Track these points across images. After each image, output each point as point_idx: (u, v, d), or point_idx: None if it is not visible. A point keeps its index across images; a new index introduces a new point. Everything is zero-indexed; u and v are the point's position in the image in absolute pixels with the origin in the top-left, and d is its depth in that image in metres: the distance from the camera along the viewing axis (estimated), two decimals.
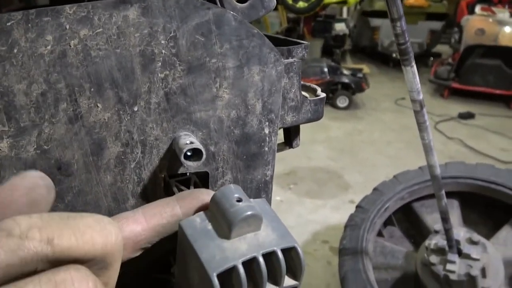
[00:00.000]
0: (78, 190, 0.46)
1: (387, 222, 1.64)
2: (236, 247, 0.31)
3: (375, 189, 1.59)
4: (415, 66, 0.77)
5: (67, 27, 0.41)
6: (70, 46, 0.41)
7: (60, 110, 0.43)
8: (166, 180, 0.52)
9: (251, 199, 0.35)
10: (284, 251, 0.32)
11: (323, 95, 0.61)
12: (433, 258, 1.31)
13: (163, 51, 0.45)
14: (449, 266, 1.27)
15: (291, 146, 0.66)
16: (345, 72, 4.97)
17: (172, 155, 0.49)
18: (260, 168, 0.55)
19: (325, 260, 2.20)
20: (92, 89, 0.43)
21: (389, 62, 7.16)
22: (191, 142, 0.46)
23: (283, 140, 0.67)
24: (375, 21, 7.28)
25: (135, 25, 0.43)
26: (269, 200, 0.59)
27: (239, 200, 0.33)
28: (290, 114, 0.57)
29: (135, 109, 0.46)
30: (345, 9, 9.08)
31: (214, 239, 0.32)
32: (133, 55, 0.44)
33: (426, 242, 1.37)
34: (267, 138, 0.54)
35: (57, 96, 0.42)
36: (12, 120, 0.41)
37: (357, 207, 1.56)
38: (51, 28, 0.40)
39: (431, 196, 1.62)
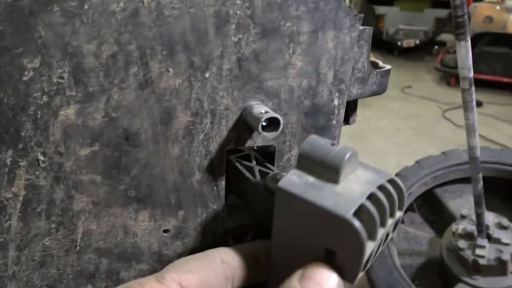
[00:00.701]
0: (145, 163, 0.43)
1: (407, 208, 1.61)
2: (350, 188, 0.30)
3: (397, 175, 1.57)
4: (469, 41, 0.74)
5: None
6: (143, 3, 0.38)
7: (131, 75, 0.39)
8: (228, 158, 0.49)
9: None
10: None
11: (388, 66, 0.57)
12: (461, 243, 1.29)
13: (238, 12, 0.41)
14: (478, 251, 1.25)
15: (347, 123, 0.62)
16: None
17: (241, 127, 0.46)
18: None
19: None
20: (164, 52, 0.40)
21: (394, 50, 7.08)
22: (266, 112, 0.42)
23: None
24: (380, 9, 7.17)
25: None
26: None
27: (333, 144, 0.32)
28: (356, 86, 0.53)
29: (207, 75, 0.42)
30: None
31: (324, 188, 0.30)
32: (207, 16, 0.40)
33: (453, 227, 1.35)
34: (335, 111, 0.51)
35: (127, 58, 0.39)
36: (80, 84, 0.38)
37: None
38: None
39: (454, 181, 1.60)
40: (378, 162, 3.15)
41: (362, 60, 0.51)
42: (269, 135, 0.42)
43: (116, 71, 0.38)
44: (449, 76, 5.50)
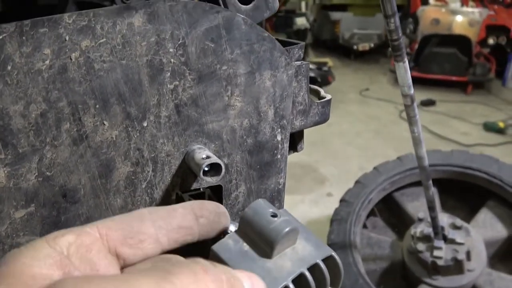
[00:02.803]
0: (86, 218, 0.41)
1: (369, 213, 1.66)
2: (280, 265, 0.30)
3: (357, 182, 1.61)
4: (407, 62, 0.78)
5: (67, 38, 0.37)
6: (71, 59, 0.37)
7: (63, 131, 0.38)
8: (179, 195, 0.49)
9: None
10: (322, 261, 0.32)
11: (328, 96, 0.59)
12: (420, 246, 1.34)
13: (172, 60, 0.41)
14: (436, 253, 1.31)
15: (295, 150, 0.64)
16: (311, 66, 5.02)
17: (184, 171, 0.46)
18: (274, 176, 0.53)
19: None
20: (97, 106, 0.39)
21: (350, 54, 7.30)
22: (208, 157, 0.42)
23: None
24: (335, 15, 7.40)
25: (141, 33, 0.40)
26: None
27: (274, 216, 0.31)
28: (298, 118, 0.55)
29: (145, 124, 0.42)
30: (303, 4, 9.18)
31: (255, 260, 0.30)
32: (140, 66, 0.40)
33: (412, 231, 1.40)
34: (279, 146, 0.52)
35: (58, 115, 0.38)
36: (9, 146, 0.36)
37: (341, 201, 1.57)
38: (48, 40, 0.36)
39: (411, 185, 1.66)
40: (340, 167, 3.22)
41: (302, 94, 0.53)
42: (211, 179, 0.42)
43: (47, 129, 0.37)
44: None
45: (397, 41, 0.70)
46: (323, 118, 0.57)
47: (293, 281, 0.29)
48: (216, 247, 0.31)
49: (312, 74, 4.81)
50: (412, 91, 0.84)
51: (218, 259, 0.30)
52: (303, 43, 0.57)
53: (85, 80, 0.38)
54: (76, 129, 0.39)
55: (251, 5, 0.48)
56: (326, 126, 4.15)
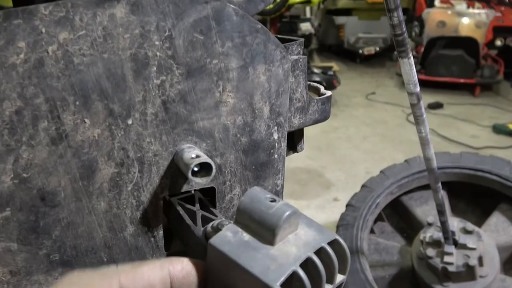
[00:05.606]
0: (67, 222, 0.39)
1: (377, 218, 1.62)
2: (285, 251, 0.29)
3: (363, 186, 1.57)
4: (412, 58, 0.74)
5: (43, 30, 0.34)
6: (48, 53, 0.35)
7: (40, 130, 0.36)
8: (166, 199, 0.46)
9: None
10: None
11: (328, 93, 0.56)
12: (430, 251, 1.30)
13: (158, 53, 0.39)
14: (446, 258, 1.26)
15: (295, 151, 0.61)
16: (316, 70, 4.97)
17: (174, 172, 0.43)
18: (271, 177, 0.50)
19: None
20: (77, 103, 0.37)
21: (356, 58, 7.26)
22: (197, 156, 0.40)
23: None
24: (339, 19, 7.37)
25: (124, 24, 0.37)
26: None
27: (273, 200, 0.30)
28: (297, 116, 0.52)
29: (129, 122, 0.39)
30: (308, 9, 9.17)
31: (258, 249, 0.29)
32: (124, 60, 0.38)
33: (421, 236, 1.36)
34: (276, 144, 0.49)
35: (35, 113, 0.35)
36: None
37: (347, 205, 1.53)
38: (23, 32, 0.34)
39: (419, 188, 1.62)
40: (347, 171, 3.18)
41: (300, 90, 0.50)
42: (201, 180, 0.39)
43: (23, 128, 0.35)
44: None
45: (401, 36, 0.67)
46: (323, 116, 0.54)
47: (301, 266, 0.28)
48: (214, 241, 0.29)
49: (317, 79, 4.77)
50: (418, 88, 0.80)
51: (218, 253, 0.29)
52: (302, 39, 0.55)
53: (63, 75, 0.36)
54: (55, 128, 0.36)
55: None
56: (332, 131, 4.11)
